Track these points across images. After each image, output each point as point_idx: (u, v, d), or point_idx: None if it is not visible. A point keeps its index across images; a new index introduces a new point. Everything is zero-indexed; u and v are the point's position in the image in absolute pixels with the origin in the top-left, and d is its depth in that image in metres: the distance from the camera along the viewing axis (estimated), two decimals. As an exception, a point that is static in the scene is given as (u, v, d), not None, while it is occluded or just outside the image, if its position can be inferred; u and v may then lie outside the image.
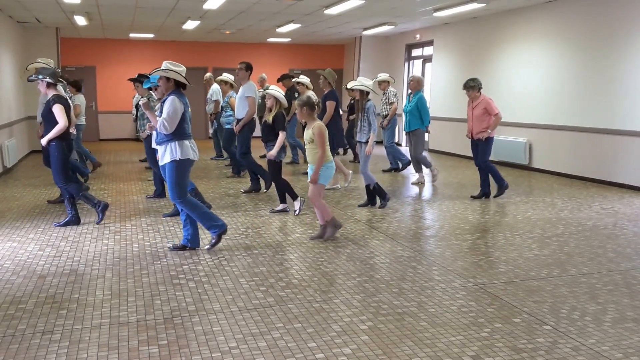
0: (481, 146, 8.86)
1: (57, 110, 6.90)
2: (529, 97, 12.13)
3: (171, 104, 5.71)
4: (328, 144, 6.45)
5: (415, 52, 17.17)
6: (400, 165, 11.96)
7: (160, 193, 8.93)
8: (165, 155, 5.83)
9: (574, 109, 10.97)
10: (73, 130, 9.54)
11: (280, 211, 7.96)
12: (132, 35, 17.56)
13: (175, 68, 5.86)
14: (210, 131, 13.20)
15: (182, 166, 5.84)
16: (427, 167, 10.61)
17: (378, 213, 7.97)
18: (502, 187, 9.05)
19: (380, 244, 6.43)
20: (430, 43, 16.04)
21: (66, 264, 5.64)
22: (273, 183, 8.13)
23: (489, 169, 8.97)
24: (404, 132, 10.79)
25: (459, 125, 13.63)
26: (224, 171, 11.80)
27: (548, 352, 3.73)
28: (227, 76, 11.66)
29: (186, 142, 5.86)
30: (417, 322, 4.21)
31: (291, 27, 15.26)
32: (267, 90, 7.96)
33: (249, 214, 7.89)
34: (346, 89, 8.99)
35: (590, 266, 5.59)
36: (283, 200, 8.01)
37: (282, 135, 7.74)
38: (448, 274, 5.36)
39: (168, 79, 5.84)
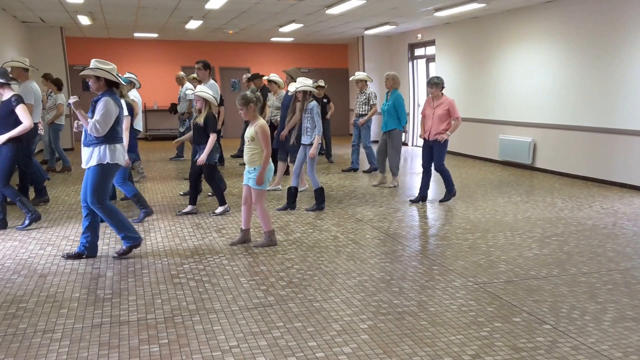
0: (437, 148, 8.58)
1: (21, 110, 6.73)
2: (531, 97, 12.12)
3: (104, 105, 5.47)
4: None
5: (418, 52, 17.17)
6: (368, 168, 11.90)
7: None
8: (93, 157, 5.55)
9: (576, 109, 10.96)
10: (41, 132, 9.49)
11: (221, 213, 7.83)
12: (136, 34, 17.60)
13: (104, 66, 5.56)
14: (181, 130, 12.80)
15: (108, 171, 5.61)
16: (393, 175, 10.23)
17: (379, 213, 7.97)
18: (450, 192, 8.77)
19: (380, 243, 6.44)
20: (432, 43, 16.03)
21: (67, 263, 5.67)
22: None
23: (444, 172, 8.69)
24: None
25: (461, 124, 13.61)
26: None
27: (548, 351, 3.73)
28: None
29: (118, 146, 5.66)
30: (417, 321, 4.22)
31: (293, 26, 15.28)
32: (195, 92, 7.68)
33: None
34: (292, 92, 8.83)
35: (590, 265, 5.59)
36: (222, 202, 7.89)
37: (212, 138, 7.48)
38: (448, 273, 5.37)
39: (98, 78, 5.55)
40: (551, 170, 11.61)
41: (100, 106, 5.49)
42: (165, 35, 17.70)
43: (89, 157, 5.60)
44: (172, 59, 19.13)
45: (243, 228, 6.45)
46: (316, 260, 5.75)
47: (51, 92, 11.62)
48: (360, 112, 11.66)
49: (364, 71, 17.86)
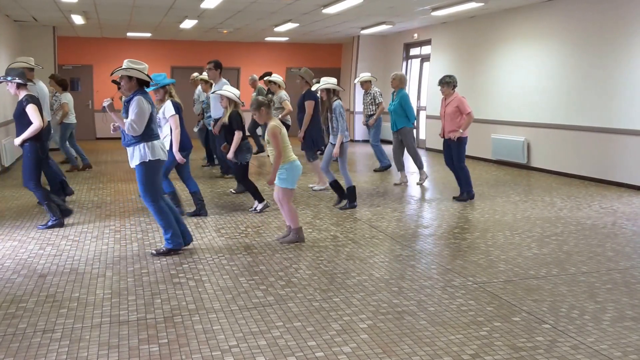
0: (454, 147, 8.66)
1: (31, 110, 6.76)
2: (527, 96, 12.14)
3: (137, 104, 5.53)
4: (288, 143, 6.27)
5: (414, 52, 17.17)
6: (379, 166, 11.98)
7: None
8: (135, 157, 5.68)
9: (572, 108, 10.98)
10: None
11: (262, 210, 7.87)
12: (129, 34, 17.54)
13: (137, 66, 5.62)
14: (195, 130, 12.80)
15: (152, 167, 5.70)
16: (419, 169, 10.36)
17: (377, 212, 7.97)
18: (468, 193, 8.76)
19: (379, 243, 6.44)
20: (428, 42, 16.03)
21: (67, 262, 5.65)
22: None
23: (462, 171, 8.74)
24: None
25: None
26: (213, 171, 11.68)
27: (547, 350, 3.74)
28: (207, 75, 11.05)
29: (155, 142, 5.73)
30: (417, 320, 4.22)
31: (289, 26, 15.25)
32: (219, 91, 7.77)
33: (249, 213, 7.88)
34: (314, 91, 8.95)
35: (589, 265, 5.60)
36: (260, 199, 7.91)
37: (237, 135, 7.55)
38: (447, 272, 5.37)
39: (130, 78, 5.61)
40: (548, 170, 11.62)
41: (133, 106, 5.54)
42: (159, 34, 17.66)
43: (132, 156, 5.72)
44: (165, 59, 19.06)
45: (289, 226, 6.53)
46: (315, 260, 5.75)
47: (56, 93, 11.63)
48: (369, 113, 11.77)
49: (356, 71, 17.95)
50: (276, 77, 11.17)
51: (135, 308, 4.46)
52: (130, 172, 11.52)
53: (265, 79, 12.02)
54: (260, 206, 7.90)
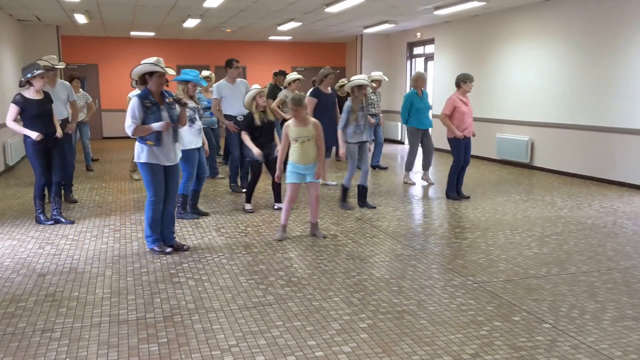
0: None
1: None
2: (530, 96, 12.13)
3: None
4: None
5: (417, 50, 17.15)
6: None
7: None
8: (180, 148, 6.10)
9: (575, 107, 10.96)
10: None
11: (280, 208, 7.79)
12: (132, 33, 17.56)
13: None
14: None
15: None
16: (407, 169, 10.40)
17: (378, 211, 7.96)
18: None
19: (380, 242, 6.43)
20: (431, 41, 16.01)
21: (66, 262, 5.66)
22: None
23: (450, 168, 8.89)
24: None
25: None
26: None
27: (547, 350, 3.73)
28: (205, 72, 11.01)
29: None
30: (417, 320, 4.22)
31: (292, 25, 15.26)
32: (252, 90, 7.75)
33: (248, 213, 7.89)
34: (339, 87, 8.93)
35: (590, 264, 5.59)
36: (278, 200, 7.96)
37: (242, 135, 7.60)
38: (447, 272, 5.37)
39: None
40: (550, 169, 11.61)
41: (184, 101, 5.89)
42: (162, 33, 17.68)
43: (177, 152, 6.00)
44: (169, 58, 19.00)
45: (284, 224, 6.61)
46: (315, 259, 5.74)
47: None
48: (375, 112, 11.54)
49: (360, 70, 17.94)
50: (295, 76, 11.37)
51: (134, 307, 4.46)
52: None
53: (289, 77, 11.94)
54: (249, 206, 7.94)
